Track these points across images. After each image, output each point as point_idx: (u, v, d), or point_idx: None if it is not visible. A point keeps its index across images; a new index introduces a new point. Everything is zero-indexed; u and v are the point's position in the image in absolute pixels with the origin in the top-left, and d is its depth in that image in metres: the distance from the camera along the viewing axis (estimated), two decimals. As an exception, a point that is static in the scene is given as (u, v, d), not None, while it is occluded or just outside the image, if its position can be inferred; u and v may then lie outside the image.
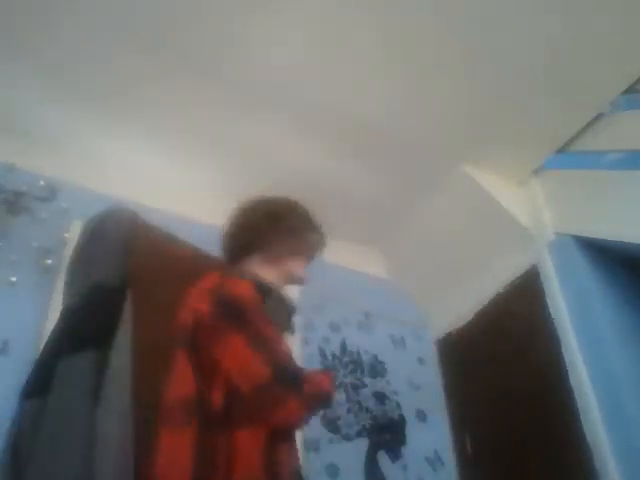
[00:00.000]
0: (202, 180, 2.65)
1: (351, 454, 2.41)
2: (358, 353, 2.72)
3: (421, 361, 2.89)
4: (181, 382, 1.09)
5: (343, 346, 2.71)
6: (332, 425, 2.43)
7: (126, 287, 1.31)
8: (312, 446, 2.29)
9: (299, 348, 2.53)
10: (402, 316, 2.96)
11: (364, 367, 2.69)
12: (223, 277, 1.23)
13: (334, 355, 2.65)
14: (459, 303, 2.83)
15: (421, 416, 2.69)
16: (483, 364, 2.64)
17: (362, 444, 2.46)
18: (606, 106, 2.37)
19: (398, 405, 2.66)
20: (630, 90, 2.30)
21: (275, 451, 1.08)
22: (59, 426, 1.11)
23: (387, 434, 2.55)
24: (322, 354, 2.62)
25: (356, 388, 2.60)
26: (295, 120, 2.41)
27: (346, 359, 2.67)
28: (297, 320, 2.58)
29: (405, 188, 2.76)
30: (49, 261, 2.16)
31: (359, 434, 2.48)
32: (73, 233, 2.11)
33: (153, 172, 2.61)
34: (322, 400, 1.21)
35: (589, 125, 2.45)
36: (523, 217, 2.55)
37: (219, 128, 2.43)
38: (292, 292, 2.61)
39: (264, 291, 1.25)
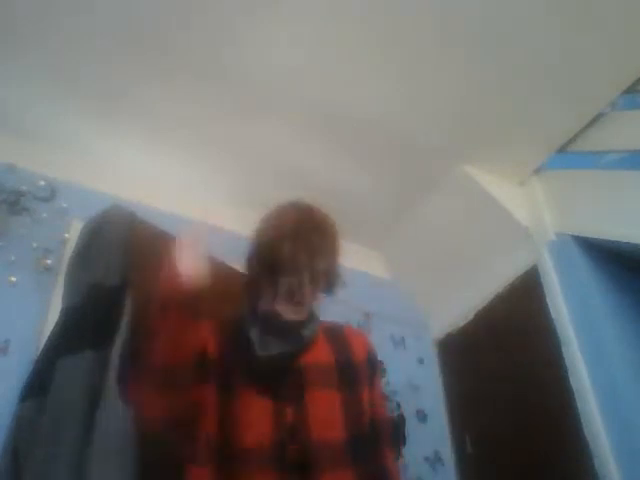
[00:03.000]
0: (202, 180, 2.65)
1: (351, 454, 2.40)
2: (358, 353, 2.72)
3: (421, 361, 2.89)
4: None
5: (343, 346, 2.70)
6: (332, 425, 2.43)
7: (126, 287, 1.31)
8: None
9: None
10: (402, 316, 2.96)
11: (364, 367, 2.69)
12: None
13: (334, 355, 2.64)
14: (459, 303, 2.83)
15: (421, 416, 2.69)
16: (483, 364, 2.63)
17: (362, 444, 2.46)
18: (606, 106, 2.37)
19: (398, 405, 2.65)
20: (630, 90, 2.30)
21: None
22: (56, 426, 1.11)
23: (387, 434, 2.55)
24: (322, 354, 2.61)
25: (356, 388, 2.60)
26: (295, 120, 2.41)
27: (346, 359, 2.66)
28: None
29: (405, 188, 2.76)
30: (49, 261, 2.16)
31: (359, 434, 2.48)
32: (73, 233, 2.12)
33: (153, 172, 2.61)
34: None
35: (589, 125, 2.45)
36: (523, 217, 2.55)
37: (219, 128, 2.43)
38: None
39: None
